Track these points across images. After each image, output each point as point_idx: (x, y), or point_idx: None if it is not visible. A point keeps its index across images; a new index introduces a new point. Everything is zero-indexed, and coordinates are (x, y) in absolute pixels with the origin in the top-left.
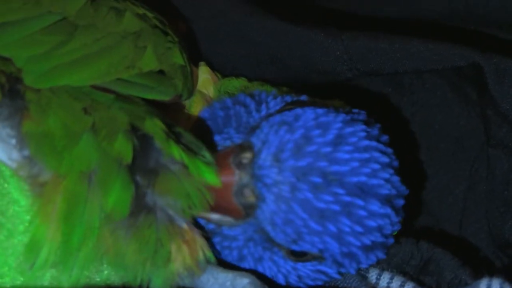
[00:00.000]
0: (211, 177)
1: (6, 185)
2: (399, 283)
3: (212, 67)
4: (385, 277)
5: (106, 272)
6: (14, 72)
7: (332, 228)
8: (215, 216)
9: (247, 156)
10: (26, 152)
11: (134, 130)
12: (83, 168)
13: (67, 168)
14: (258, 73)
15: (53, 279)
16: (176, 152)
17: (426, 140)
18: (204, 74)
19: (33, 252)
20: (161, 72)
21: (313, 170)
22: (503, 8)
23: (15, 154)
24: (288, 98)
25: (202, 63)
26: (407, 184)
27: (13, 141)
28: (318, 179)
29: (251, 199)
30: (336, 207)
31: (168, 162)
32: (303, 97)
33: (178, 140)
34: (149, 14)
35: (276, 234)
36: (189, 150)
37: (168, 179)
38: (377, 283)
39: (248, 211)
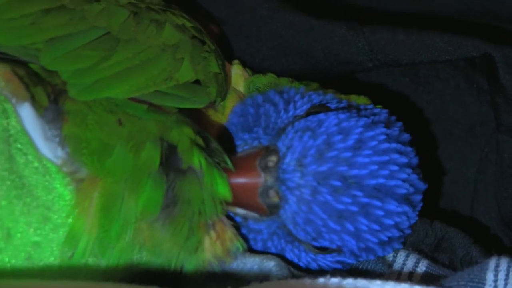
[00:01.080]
0: (224, 190)
1: (52, 181)
2: (414, 260)
3: (242, 60)
4: (401, 255)
5: (145, 258)
6: (59, 84)
7: (350, 227)
8: (241, 211)
9: (272, 159)
10: (68, 150)
11: (162, 138)
12: (116, 177)
13: (102, 174)
14: (285, 65)
15: (94, 263)
16: (196, 161)
17: (440, 127)
18: (236, 70)
19: (72, 243)
20: (196, 81)
21: (333, 175)
22: None
23: (59, 152)
24: (314, 97)
25: (235, 61)
26: (424, 173)
27: (57, 140)
28: (337, 183)
29: (275, 199)
30: (354, 208)
31: (192, 167)
32: (329, 95)
33: (204, 146)
34: (188, 24)
35: (298, 232)
36: (211, 157)
37: (190, 182)
38: (394, 261)
39: (272, 210)
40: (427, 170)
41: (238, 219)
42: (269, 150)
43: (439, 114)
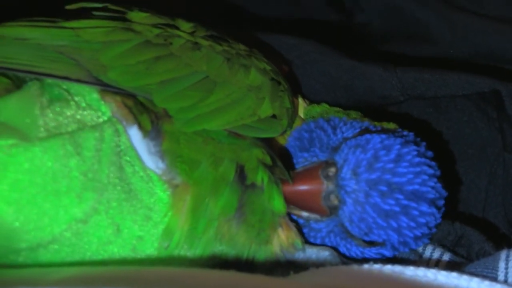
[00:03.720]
0: (279, 205)
1: (154, 187)
2: (439, 252)
3: (302, 93)
4: (429, 248)
5: (224, 250)
6: (159, 112)
7: (394, 224)
8: (305, 214)
9: (332, 170)
10: (166, 162)
11: (235, 158)
12: (202, 185)
13: (191, 182)
14: (334, 98)
15: (185, 254)
16: (259, 178)
17: (458, 147)
18: (299, 102)
19: (168, 236)
20: (273, 115)
21: (381, 181)
22: None
23: (160, 164)
24: (355, 124)
25: (298, 94)
26: (445, 183)
27: (158, 154)
28: (384, 188)
29: (335, 202)
30: (397, 209)
31: (255, 184)
32: (366, 122)
33: (270, 165)
34: (268, 68)
35: (353, 228)
36: (274, 174)
37: (254, 194)
38: (423, 253)
39: (332, 211)
40: (447, 181)
41: (301, 221)
42: (329, 163)
43: (457, 137)
